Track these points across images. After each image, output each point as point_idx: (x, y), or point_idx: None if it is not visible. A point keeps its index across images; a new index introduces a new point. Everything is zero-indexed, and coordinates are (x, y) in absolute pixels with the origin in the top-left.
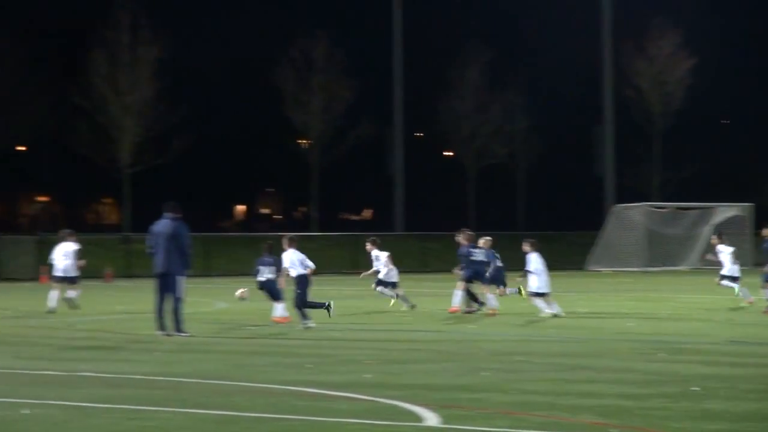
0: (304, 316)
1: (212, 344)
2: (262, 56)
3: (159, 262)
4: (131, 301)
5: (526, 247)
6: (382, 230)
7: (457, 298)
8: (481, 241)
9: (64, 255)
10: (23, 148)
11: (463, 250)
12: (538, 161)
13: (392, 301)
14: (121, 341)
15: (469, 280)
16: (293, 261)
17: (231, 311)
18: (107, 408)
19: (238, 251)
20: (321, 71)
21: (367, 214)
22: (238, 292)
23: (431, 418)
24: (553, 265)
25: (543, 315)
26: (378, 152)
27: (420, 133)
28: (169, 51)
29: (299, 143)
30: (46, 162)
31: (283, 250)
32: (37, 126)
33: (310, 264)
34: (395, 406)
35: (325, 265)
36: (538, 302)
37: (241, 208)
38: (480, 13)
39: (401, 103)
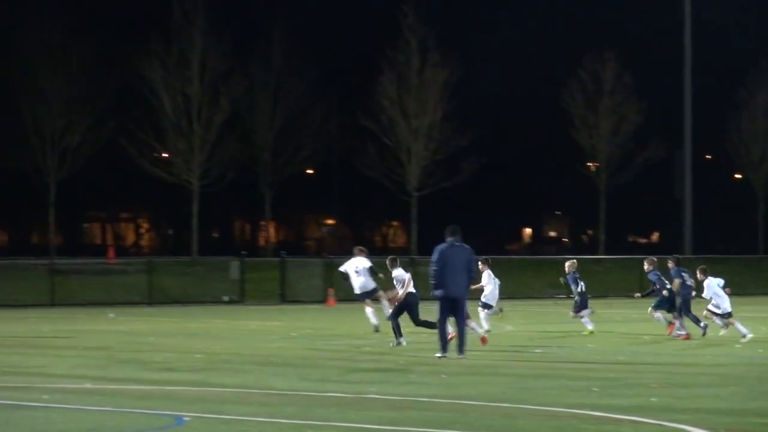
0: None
1: (498, 367)
2: (550, 78)
3: (450, 287)
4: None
5: (700, 275)
6: (669, 253)
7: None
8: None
9: (356, 271)
10: (311, 172)
11: (653, 276)
12: None
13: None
14: (407, 363)
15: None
16: (398, 279)
17: (518, 334)
18: (392, 430)
19: (525, 274)
20: (610, 93)
21: (655, 236)
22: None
23: None
24: None
25: (721, 333)
26: (666, 175)
27: (709, 155)
28: (457, 74)
29: (587, 166)
30: (334, 185)
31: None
32: (325, 149)
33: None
34: (682, 430)
35: (612, 288)
36: (718, 321)
37: (528, 230)
38: None
39: (690, 125)
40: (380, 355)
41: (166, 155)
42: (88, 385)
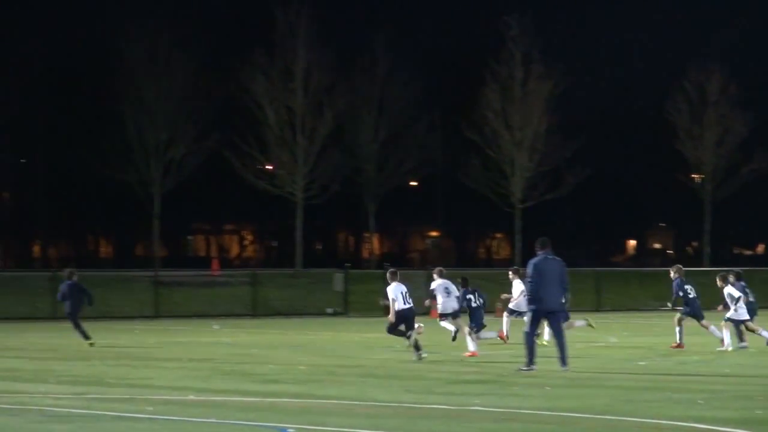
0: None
1: (602, 379)
2: (654, 90)
3: (546, 300)
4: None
5: (720, 282)
6: None
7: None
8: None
9: (446, 291)
10: (415, 184)
11: (678, 283)
12: None
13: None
14: (510, 375)
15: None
16: (396, 294)
17: (622, 346)
18: None
19: (629, 286)
20: (714, 104)
21: (760, 248)
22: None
23: None
24: None
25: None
26: None
27: None
28: (561, 85)
29: (692, 177)
30: (437, 197)
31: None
32: (429, 161)
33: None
34: None
35: (717, 300)
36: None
37: (632, 242)
38: None
39: None
40: (483, 366)
41: (270, 167)
42: (192, 397)
